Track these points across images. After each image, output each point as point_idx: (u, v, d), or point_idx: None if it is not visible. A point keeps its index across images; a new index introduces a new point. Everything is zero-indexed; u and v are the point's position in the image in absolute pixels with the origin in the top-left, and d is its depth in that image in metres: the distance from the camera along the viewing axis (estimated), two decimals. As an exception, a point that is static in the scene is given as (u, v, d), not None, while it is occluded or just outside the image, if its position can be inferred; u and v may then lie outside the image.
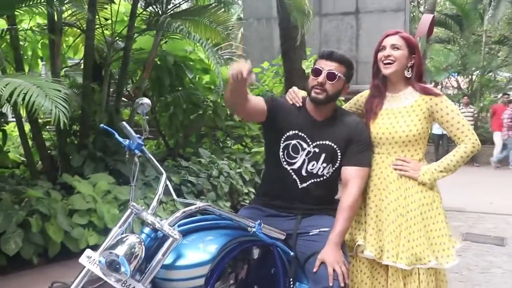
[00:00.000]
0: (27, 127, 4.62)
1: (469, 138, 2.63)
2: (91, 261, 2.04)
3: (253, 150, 5.37)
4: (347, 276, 2.46)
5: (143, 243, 2.03)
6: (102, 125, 2.54)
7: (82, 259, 2.06)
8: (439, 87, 18.55)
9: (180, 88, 5.53)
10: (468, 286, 4.25)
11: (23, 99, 2.54)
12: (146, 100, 2.38)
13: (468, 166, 12.60)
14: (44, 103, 2.57)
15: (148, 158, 2.43)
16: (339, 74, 2.57)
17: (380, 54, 2.68)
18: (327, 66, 2.57)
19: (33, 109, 2.59)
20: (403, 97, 2.72)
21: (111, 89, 5.44)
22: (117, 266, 1.94)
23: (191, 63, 5.71)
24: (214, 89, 5.74)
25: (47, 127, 5.06)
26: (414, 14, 17.13)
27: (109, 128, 2.44)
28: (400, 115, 2.68)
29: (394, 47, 2.63)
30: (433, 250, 2.64)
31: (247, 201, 4.72)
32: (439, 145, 13.65)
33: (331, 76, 2.56)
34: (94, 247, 3.35)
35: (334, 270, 2.45)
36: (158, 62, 5.38)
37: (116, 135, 2.40)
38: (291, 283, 2.68)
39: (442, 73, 16.26)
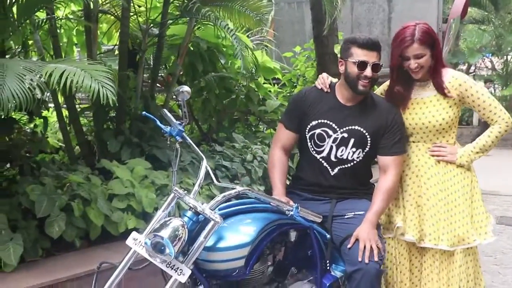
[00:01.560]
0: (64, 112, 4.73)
1: (502, 118, 2.69)
2: (137, 243, 2.14)
3: (285, 134, 5.41)
4: (377, 253, 2.53)
5: (186, 226, 2.11)
6: (144, 112, 2.61)
7: (129, 241, 2.16)
8: (473, 68, 18.21)
9: (213, 73, 5.57)
10: (502, 269, 4.26)
11: (71, 82, 2.63)
12: (186, 88, 2.46)
13: (506, 148, 12.43)
14: (91, 84, 2.66)
15: (189, 144, 2.49)
16: (382, 64, 2.62)
17: (406, 64, 2.67)
18: (372, 57, 2.60)
19: (81, 91, 2.69)
20: (430, 86, 2.74)
21: (145, 75, 5.52)
22: (162, 248, 2.03)
23: (223, 49, 5.76)
24: (246, 74, 5.78)
25: (84, 113, 5.16)
26: (447, -6, 16.77)
27: (150, 115, 2.51)
28: (432, 104, 2.72)
29: (417, 56, 2.63)
30: (475, 228, 2.70)
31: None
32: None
33: (376, 68, 2.62)
34: (133, 231, 3.47)
35: (365, 247, 2.53)
36: (191, 48, 5.43)
37: (158, 122, 2.47)
38: (327, 265, 2.76)
39: (476, 54, 15.93)
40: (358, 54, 2.61)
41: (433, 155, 2.74)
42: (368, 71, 2.59)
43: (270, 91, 6.23)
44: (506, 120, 2.68)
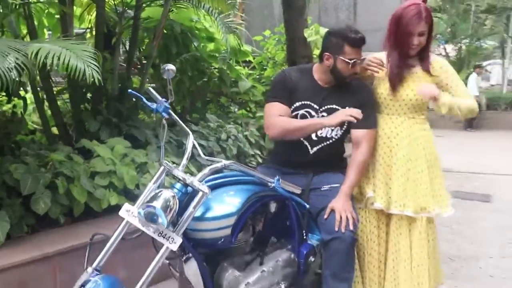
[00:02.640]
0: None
1: (473, 100, 2.82)
2: (130, 214, 2.15)
3: (257, 114, 5.45)
4: (351, 223, 2.62)
5: (176, 197, 2.15)
6: (130, 90, 2.60)
7: (122, 212, 2.17)
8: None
9: (186, 56, 5.54)
10: (458, 238, 4.45)
11: (58, 62, 2.59)
12: (171, 66, 2.47)
13: (457, 130, 12.81)
14: (77, 63, 2.62)
15: (175, 120, 2.50)
16: (365, 58, 2.71)
17: (409, 41, 2.70)
18: (359, 53, 2.66)
19: (60, 71, 2.64)
20: (415, 62, 2.83)
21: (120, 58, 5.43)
22: (155, 218, 2.05)
23: (196, 32, 5.73)
24: (219, 56, 5.78)
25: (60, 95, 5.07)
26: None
27: (136, 93, 2.51)
28: (411, 80, 2.80)
29: (421, 34, 2.69)
30: (436, 200, 2.82)
31: (254, 163, 4.83)
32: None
33: (362, 61, 2.70)
34: (115, 207, 3.48)
35: (341, 217, 2.62)
36: (165, 31, 5.38)
37: (144, 100, 2.47)
38: (304, 234, 2.83)
39: (433, 41, 16.17)
40: (350, 53, 2.63)
41: (421, 94, 2.76)
42: (357, 68, 2.68)
43: (242, 73, 6.24)
44: (474, 102, 2.80)
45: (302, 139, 2.79)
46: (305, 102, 2.77)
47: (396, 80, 2.81)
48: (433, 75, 2.78)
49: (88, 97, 4.82)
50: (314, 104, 2.77)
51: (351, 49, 2.63)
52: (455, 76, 2.81)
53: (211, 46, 6.04)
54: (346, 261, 2.67)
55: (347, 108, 2.70)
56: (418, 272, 2.83)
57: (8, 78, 2.54)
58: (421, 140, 2.83)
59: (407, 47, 2.72)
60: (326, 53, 2.70)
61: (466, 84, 13.79)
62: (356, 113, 2.59)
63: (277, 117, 2.72)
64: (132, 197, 3.52)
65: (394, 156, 2.84)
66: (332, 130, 2.79)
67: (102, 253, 2.15)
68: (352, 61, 2.63)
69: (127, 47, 5.29)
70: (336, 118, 2.62)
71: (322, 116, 2.76)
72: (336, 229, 2.61)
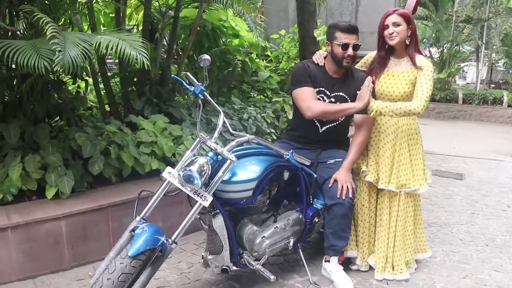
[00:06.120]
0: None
1: (420, 101, 2.59)
2: (171, 176, 2.18)
3: (273, 99, 5.41)
4: (351, 192, 2.65)
5: (209, 163, 2.16)
6: (172, 75, 2.61)
7: (165, 174, 2.19)
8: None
9: (215, 49, 5.52)
10: (435, 208, 4.42)
11: (116, 50, 2.61)
12: (207, 56, 2.45)
13: (440, 119, 12.63)
14: (131, 52, 2.63)
15: (208, 101, 2.50)
16: (360, 44, 2.64)
17: (385, 32, 2.68)
18: (352, 39, 2.61)
19: (124, 58, 2.63)
20: (402, 63, 2.78)
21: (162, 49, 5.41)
22: (191, 179, 2.08)
23: (224, 29, 5.69)
24: (242, 50, 5.77)
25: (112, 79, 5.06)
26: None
27: (178, 78, 2.52)
28: (398, 78, 2.75)
29: (395, 24, 2.66)
30: (415, 178, 2.80)
31: (269, 139, 4.81)
32: None
33: (356, 47, 2.64)
34: (156, 171, 3.49)
35: (343, 187, 2.64)
36: (199, 28, 5.35)
37: (184, 83, 2.48)
38: (311, 199, 2.85)
39: (420, 44, 15.87)
40: (341, 38, 2.62)
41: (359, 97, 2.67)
42: (350, 51, 2.62)
43: (260, 65, 6.19)
44: (419, 105, 2.58)
45: (314, 119, 2.78)
46: (321, 89, 2.77)
47: (374, 72, 2.78)
48: (417, 66, 2.68)
49: (135, 81, 4.82)
50: (326, 90, 2.76)
51: (342, 34, 2.62)
52: (425, 79, 2.65)
53: (236, 41, 5.99)
54: (344, 223, 2.69)
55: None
56: (398, 237, 2.84)
57: (76, 63, 2.54)
58: (405, 128, 2.81)
59: (385, 38, 2.70)
60: (327, 42, 2.73)
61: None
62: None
63: (315, 101, 2.69)
64: (169, 163, 3.53)
65: (382, 141, 2.84)
66: None
67: (148, 205, 2.19)
68: (342, 43, 2.60)
69: (167, 41, 5.25)
70: (363, 101, 2.58)
71: (331, 101, 2.76)
72: (338, 196, 2.63)
